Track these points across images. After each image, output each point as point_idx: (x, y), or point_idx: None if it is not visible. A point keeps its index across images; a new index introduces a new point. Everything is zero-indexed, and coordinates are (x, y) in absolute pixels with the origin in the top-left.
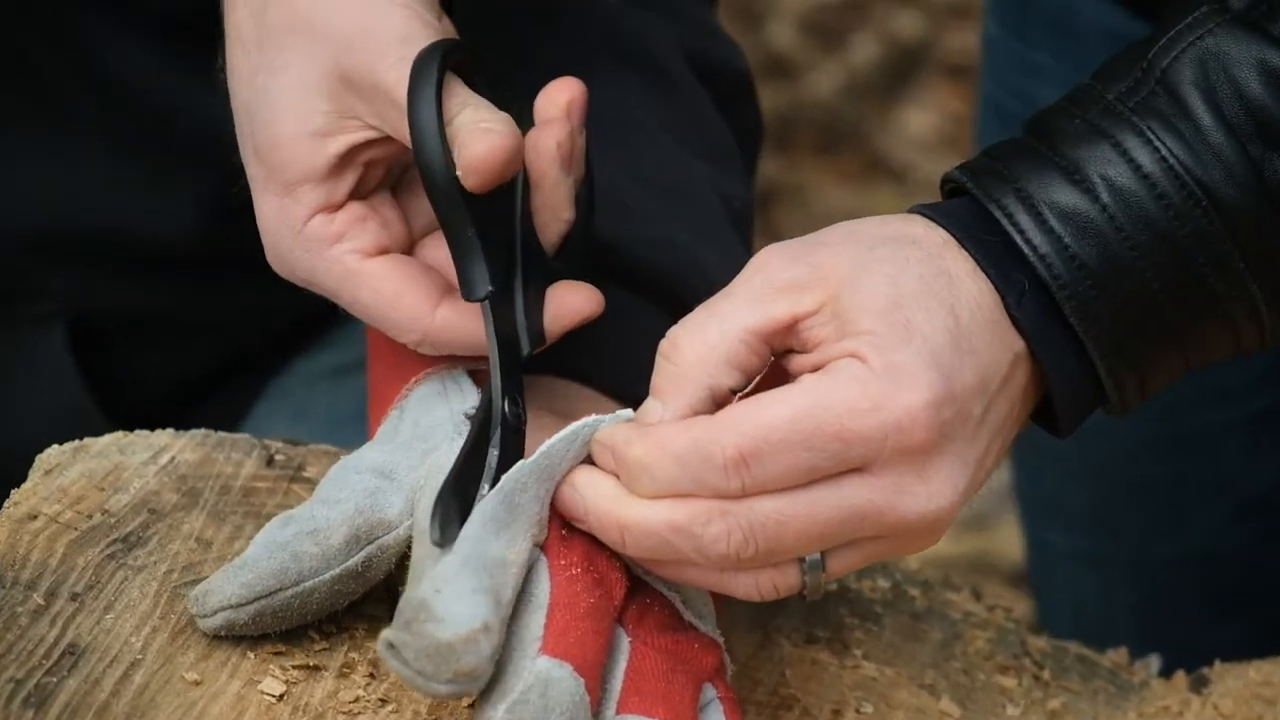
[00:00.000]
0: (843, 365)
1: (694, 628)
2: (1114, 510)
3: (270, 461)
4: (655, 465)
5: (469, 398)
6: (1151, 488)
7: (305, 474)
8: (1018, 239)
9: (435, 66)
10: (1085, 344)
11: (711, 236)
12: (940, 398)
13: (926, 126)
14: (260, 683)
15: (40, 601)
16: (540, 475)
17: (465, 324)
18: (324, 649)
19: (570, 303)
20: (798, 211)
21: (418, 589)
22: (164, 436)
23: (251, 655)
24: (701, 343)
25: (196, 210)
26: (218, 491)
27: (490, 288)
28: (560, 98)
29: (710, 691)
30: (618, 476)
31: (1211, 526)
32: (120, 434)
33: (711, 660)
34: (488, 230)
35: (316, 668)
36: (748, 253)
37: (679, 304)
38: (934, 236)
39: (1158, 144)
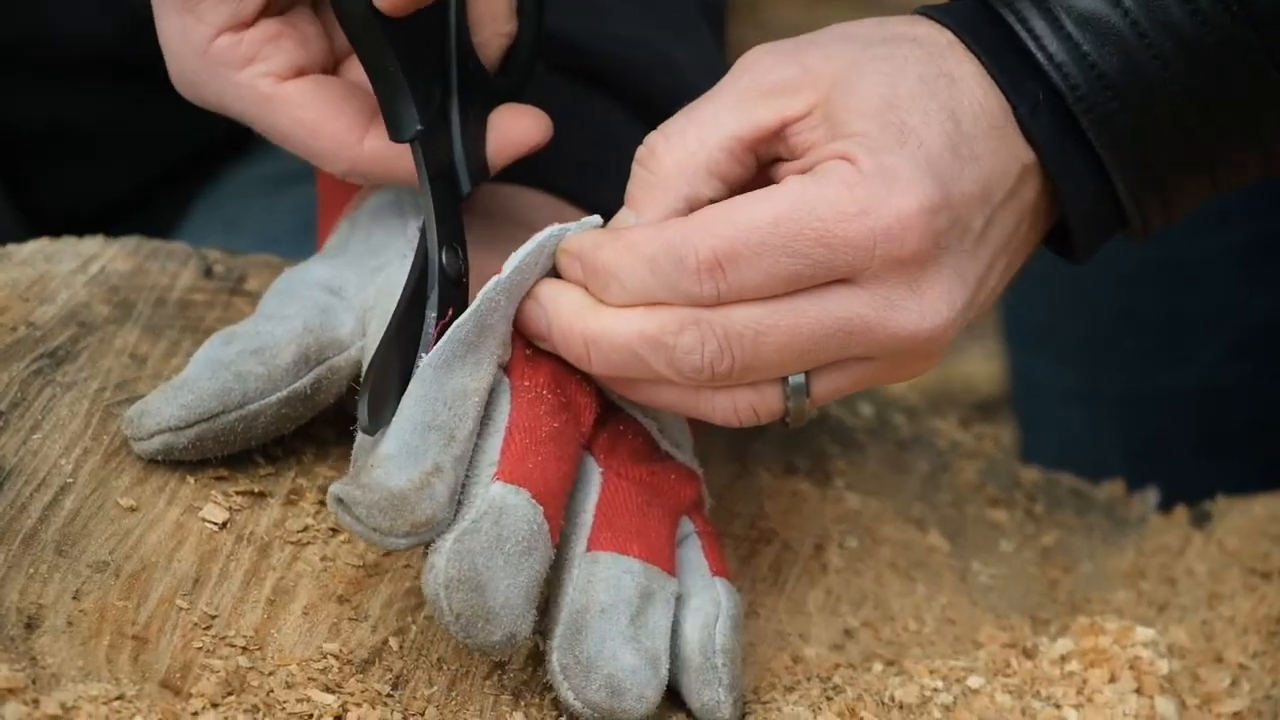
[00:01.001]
0: (831, 167)
1: (671, 457)
2: (1106, 342)
3: (209, 272)
4: (624, 270)
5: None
6: (1146, 318)
7: (246, 286)
8: (1031, 45)
9: None
10: (1104, 161)
11: (685, 34)
12: (935, 204)
13: None
14: (201, 509)
15: None
16: (512, 292)
17: (398, 153)
18: (269, 474)
19: (514, 130)
20: (751, 27)
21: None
22: (93, 244)
23: (191, 480)
24: (681, 149)
25: (119, 13)
26: (152, 304)
27: (419, 126)
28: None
29: (688, 525)
30: (585, 289)
31: (1208, 359)
32: (46, 240)
33: (689, 492)
34: (415, 56)
35: (261, 494)
36: (722, 52)
37: (650, 106)
38: (938, 37)
39: None
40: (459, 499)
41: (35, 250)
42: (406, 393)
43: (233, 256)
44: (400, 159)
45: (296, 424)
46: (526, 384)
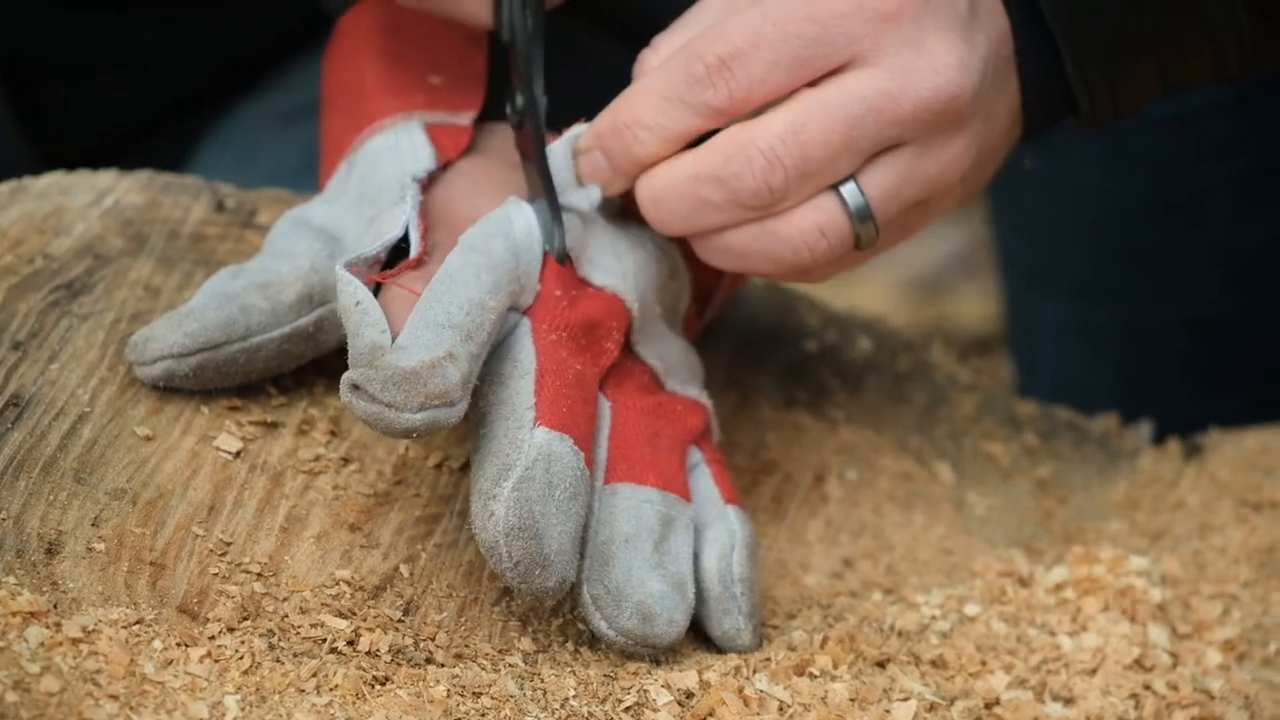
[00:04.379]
0: None
1: (676, 393)
2: (1103, 277)
3: (220, 206)
4: (644, 110)
5: (421, 156)
6: (1142, 252)
7: (258, 220)
8: None
9: None
10: (1055, 37)
11: None
12: None
13: None
14: (215, 439)
15: None
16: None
17: None
18: (282, 404)
19: None
20: None
21: (363, 335)
22: (107, 177)
23: (205, 410)
24: (668, 50)
25: None
26: (166, 236)
27: None
28: None
29: (697, 454)
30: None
31: (1202, 292)
32: (61, 174)
33: (697, 421)
34: None
35: (274, 424)
36: None
37: (627, 28)
38: None
39: None
40: (497, 439)
41: (50, 183)
42: (418, 301)
43: (244, 190)
44: None
45: (298, 362)
46: (546, 326)
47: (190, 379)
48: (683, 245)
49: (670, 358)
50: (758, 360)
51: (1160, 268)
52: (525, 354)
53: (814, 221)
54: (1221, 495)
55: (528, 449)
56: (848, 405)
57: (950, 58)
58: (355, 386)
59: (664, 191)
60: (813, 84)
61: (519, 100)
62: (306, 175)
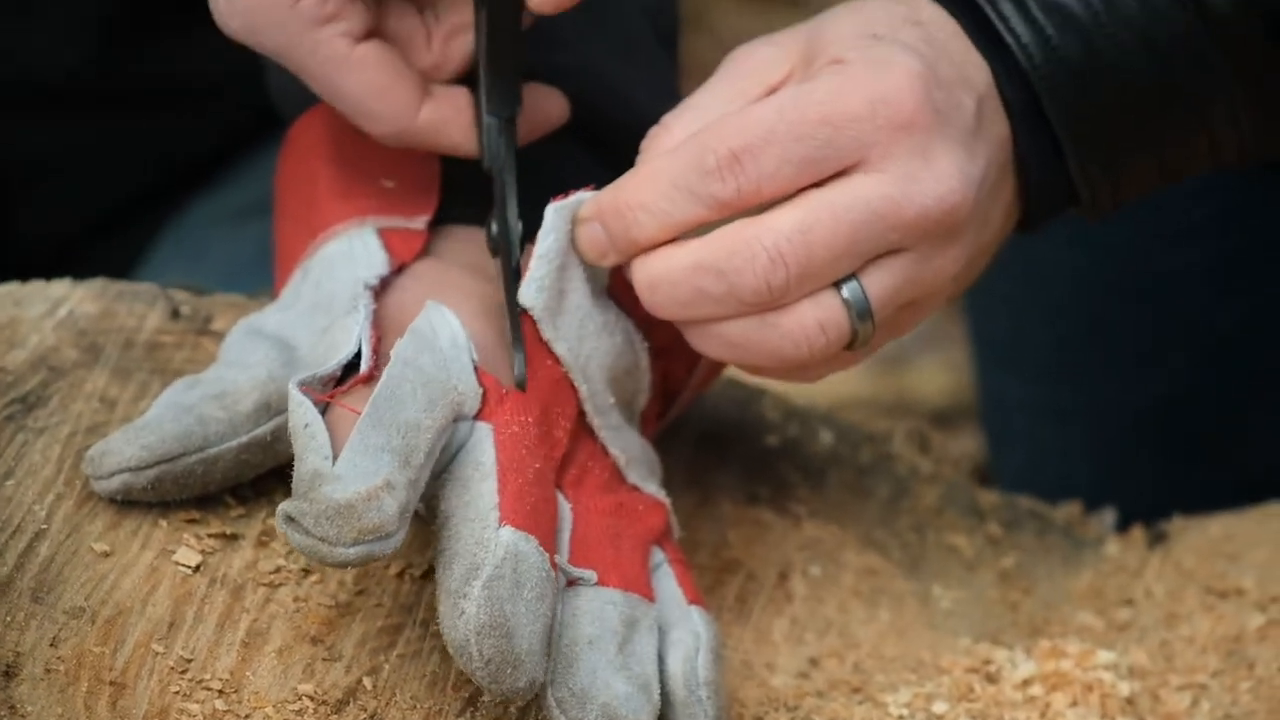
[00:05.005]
0: (821, 70)
1: (637, 489)
2: (1073, 356)
3: (175, 314)
4: (650, 195)
5: (375, 260)
6: (1112, 332)
7: (213, 327)
8: (999, 27)
9: None
10: (1059, 137)
11: (636, 58)
12: (923, 72)
13: None
14: (174, 553)
15: None
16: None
17: (447, 124)
18: (241, 515)
19: (544, 107)
20: (701, 34)
21: (306, 460)
22: (61, 287)
23: (163, 523)
24: (682, 133)
25: (82, 43)
26: (121, 346)
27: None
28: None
29: (659, 554)
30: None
31: (1174, 373)
32: (15, 285)
33: (658, 521)
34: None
35: (234, 536)
36: (677, 70)
37: (594, 135)
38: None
39: None
40: (462, 541)
41: (4, 294)
42: (357, 423)
43: (198, 297)
44: (449, 129)
45: (256, 471)
46: (507, 420)
47: (148, 491)
48: (662, 337)
49: (631, 450)
50: (719, 457)
51: (1131, 350)
52: (486, 456)
53: (815, 317)
54: (1187, 584)
55: (495, 548)
56: (810, 500)
57: (953, 168)
58: (290, 518)
59: (663, 277)
60: (819, 183)
61: (493, 227)
62: (260, 272)
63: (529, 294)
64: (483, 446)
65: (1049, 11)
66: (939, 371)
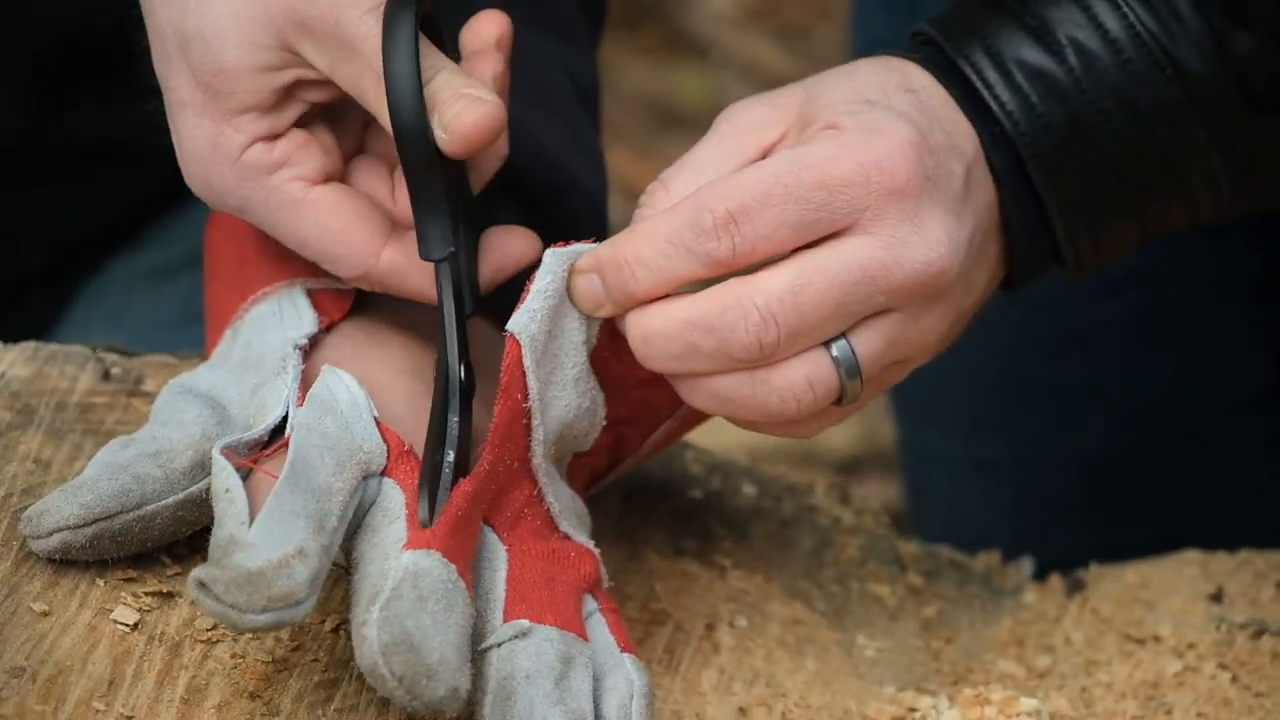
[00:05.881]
0: (815, 133)
1: (569, 538)
2: (993, 412)
3: (107, 375)
4: (647, 251)
5: (304, 320)
6: (1032, 389)
7: (144, 388)
8: (985, 94)
9: (410, 20)
10: (1044, 200)
11: (560, 119)
12: (916, 140)
13: (729, 1)
14: (112, 611)
15: None
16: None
17: (410, 268)
18: (177, 573)
19: (512, 251)
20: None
21: (224, 525)
22: None
23: (101, 582)
24: (679, 191)
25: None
26: (54, 408)
27: (451, 248)
28: (490, 32)
29: (592, 603)
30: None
31: (1093, 429)
32: None
33: (590, 570)
34: (449, 182)
35: (170, 594)
36: (597, 132)
37: (525, 195)
38: (901, 63)
39: (1125, 9)
40: (369, 577)
41: None
42: (274, 488)
43: (129, 358)
44: (411, 273)
45: (192, 528)
46: (410, 470)
47: (87, 549)
48: (628, 410)
49: (563, 500)
50: (645, 511)
51: (1051, 404)
52: (395, 504)
53: (804, 374)
54: (1105, 631)
55: (394, 573)
56: (735, 552)
57: (942, 234)
58: (202, 584)
59: (657, 331)
60: (811, 244)
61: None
62: (180, 331)
63: (521, 323)
64: (391, 495)
65: (1032, 78)
66: (846, 421)
